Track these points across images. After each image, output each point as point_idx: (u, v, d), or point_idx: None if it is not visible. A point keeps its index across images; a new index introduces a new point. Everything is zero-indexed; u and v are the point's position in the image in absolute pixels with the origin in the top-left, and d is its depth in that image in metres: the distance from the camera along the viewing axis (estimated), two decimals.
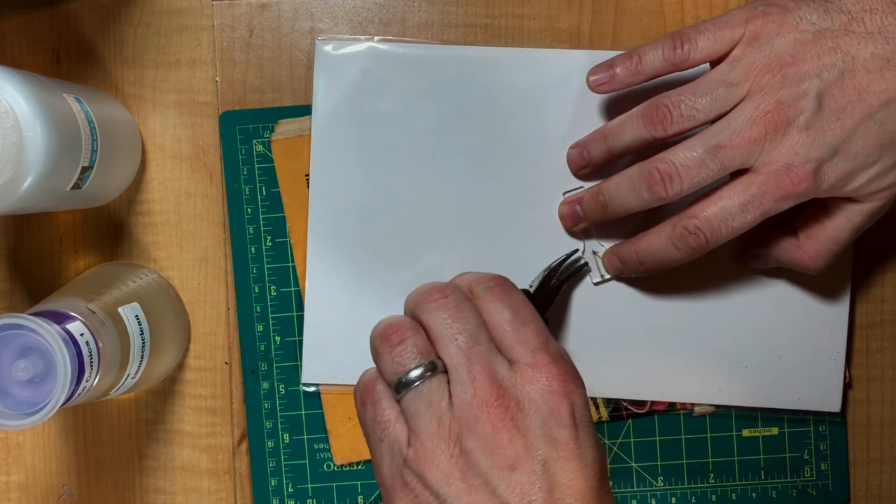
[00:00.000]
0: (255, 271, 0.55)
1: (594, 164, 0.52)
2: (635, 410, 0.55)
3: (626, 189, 0.47)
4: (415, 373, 0.40)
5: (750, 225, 0.45)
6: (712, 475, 0.56)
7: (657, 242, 0.48)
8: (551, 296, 0.50)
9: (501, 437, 0.37)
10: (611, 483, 0.55)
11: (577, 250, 0.53)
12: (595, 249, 0.54)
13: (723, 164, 0.44)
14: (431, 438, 0.38)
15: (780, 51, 0.44)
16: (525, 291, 0.49)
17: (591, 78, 0.49)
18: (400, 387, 0.40)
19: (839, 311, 0.54)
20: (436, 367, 0.40)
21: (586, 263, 0.53)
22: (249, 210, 0.55)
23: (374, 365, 0.42)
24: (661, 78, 0.49)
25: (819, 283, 0.54)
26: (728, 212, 0.45)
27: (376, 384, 0.41)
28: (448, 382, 0.39)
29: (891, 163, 0.44)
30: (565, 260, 0.52)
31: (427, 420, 0.39)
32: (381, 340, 0.41)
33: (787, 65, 0.44)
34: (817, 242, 0.48)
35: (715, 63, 0.46)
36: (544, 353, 0.39)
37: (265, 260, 0.55)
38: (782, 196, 0.44)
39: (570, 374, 0.39)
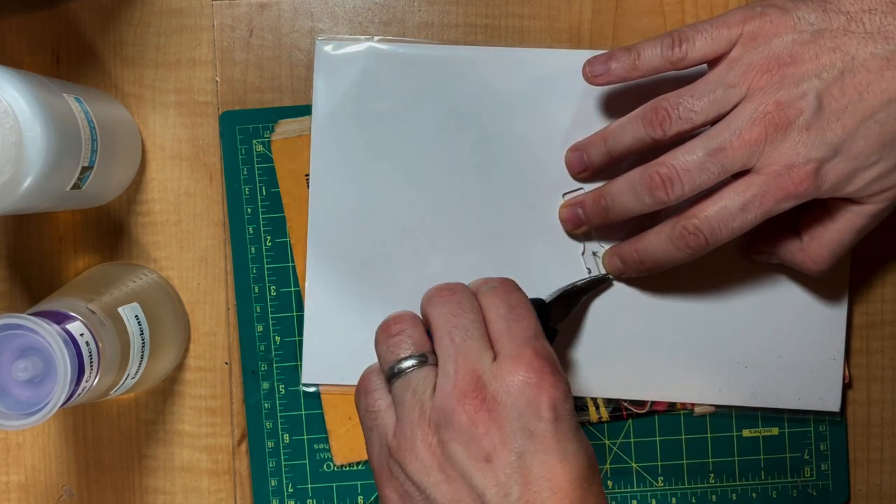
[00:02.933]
0: (255, 271, 0.55)
1: (594, 167, 0.52)
2: (635, 410, 0.55)
3: (628, 193, 0.47)
4: (406, 363, 0.41)
5: (751, 225, 0.45)
6: (712, 475, 0.56)
7: (657, 242, 0.48)
8: (568, 307, 0.51)
9: (478, 428, 0.38)
10: (610, 483, 0.55)
11: (607, 277, 0.53)
12: (595, 250, 0.54)
13: (724, 166, 0.45)
14: (412, 427, 0.39)
15: (779, 51, 0.44)
16: (539, 300, 0.49)
17: (588, 69, 0.49)
18: (391, 375, 0.41)
19: (838, 311, 0.54)
20: (426, 358, 0.41)
21: (612, 282, 0.53)
22: (249, 210, 0.55)
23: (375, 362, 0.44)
24: (664, 79, 0.49)
25: (818, 283, 0.54)
26: (728, 212, 0.45)
27: (372, 376, 0.43)
28: (436, 375, 0.40)
29: (892, 163, 0.44)
30: (591, 280, 0.53)
31: (410, 408, 0.39)
32: (381, 330, 0.43)
33: (786, 65, 0.44)
34: (820, 245, 0.48)
35: (713, 64, 0.46)
36: (528, 347, 0.40)
37: (265, 260, 0.55)
38: (783, 196, 0.44)
39: (550, 368, 0.39)
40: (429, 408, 0.39)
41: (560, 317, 0.51)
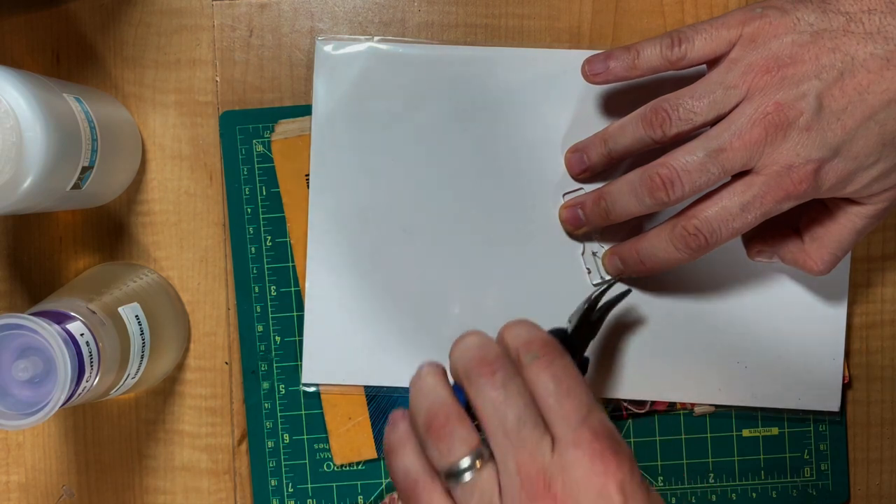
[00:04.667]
0: (255, 271, 0.55)
1: (594, 168, 0.52)
2: (635, 410, 0.55)
3: (628, 194, 0.47)
4: (464, 463, 0.38)
5: (751, 226, 0.45)
6: (712, 475, 0.56)
7: (658, 243, 0.48)
8: (594, 328, 0.49)
9: None
10: None
11: (628, 290, 0.51)
12: (595, 251, 0.54)
13: (724, 167, 0.44)
14: None
15: (778, 52, 0.44)
16: (562, 331, 0.47)
17: (587, 67, 0.49)
18: (449, 476, 0.38)
19: (838, 311, 0.54)
20: (483, 455, 0.38)
21: (629, 290, 0.52)
22: (249, 210, 0.55)
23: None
24: (664, 81, 0.49)
25: (818, 283, 0.54)
26: (728, 213, 0.45)
27: (419, 489, 0.39)
28: (497, 472, 0.38)
29: (892, 164, 0.44)
30: (606, 289, 0.50)
31: None
32: (427, 431, 0.39)
33: (786, 66, 0.44)
34: (821, 247, 0.48)
35: (712, 64, 0.46)
36: (585, 428, 0.37)
37: (265, 260, 0.55)
38: (783, 197, 0.44)
39: (613, 447, 0.37)
40: None
41: (586, 341, 0.48)
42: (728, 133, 0.44)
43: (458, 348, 0.40)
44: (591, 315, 0.49)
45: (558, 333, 0.46)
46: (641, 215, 0.49)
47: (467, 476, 0.38)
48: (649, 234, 0.49)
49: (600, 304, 0.50)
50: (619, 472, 0.37)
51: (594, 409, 0.38)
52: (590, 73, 0.49)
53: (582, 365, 0.47)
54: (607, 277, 0.53)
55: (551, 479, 0.37)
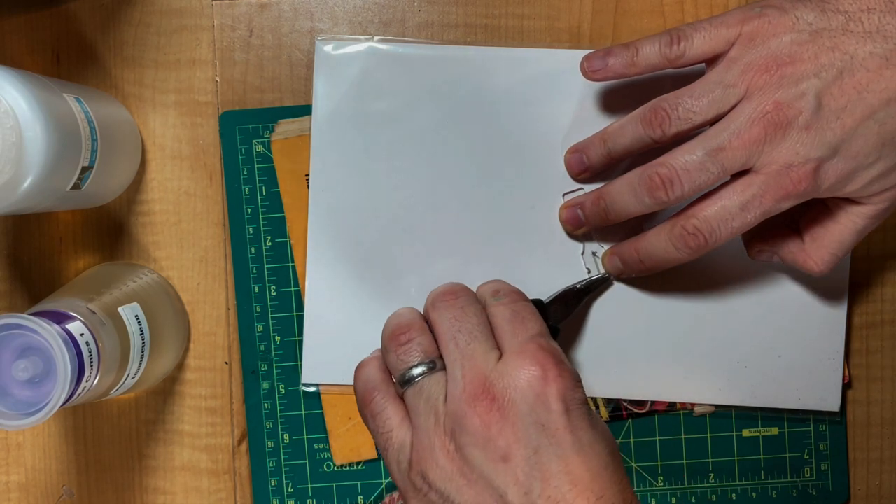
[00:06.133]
0: (255, 271, 0.55)
1: (594, 168, 0.52)
2: (635, 410, 0.55)
3: (628, 194, 0.47)
4: (417, 370, 0.42)
5: (750, 225, 0.45)
6: (712, 475, 0.56)
7: (657, 242, 0.48)
8: (569, 307, 0.52)
9: (490, 429, 0.38)
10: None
11: (607, 277, 0.53)
12: (595, 251, 0.54)
13: (723, 167, 0.44)
14: (429, 435, 0.39)
15: (777, 51, 0.44)
16: (538, 301, 0.50)
17: (586, 64, 0.49)
18: (403, 382, 0.42)
19: (838, 311, 0.54)
20: (436, 365, 0.42)
21: (612, 282, 0.53)
22: (249, 210, 0.55)
23: (366, 360, 0.45)
24: (664, 80, 0.49)
25: (818, 282, 0.54)
26: (728, 212, 0.45)
27: (374, 394, 0.43)
28: (446, 380, 0.41)
29: (892, 163, 0.44)
30: (593, 283, 0.53)
31: (426, 417, 0.40)
32: (390, 339, 0.43)
33: (785, 65, 0.43)
34: (821, 247, 0.48)
35: (711, 63, 0.46)
36: (532, 342, 0.40)
37: (265, 260, 0.55)
38: (782, 196, 0.44)
39: (554, 360, 0.40)
40: (442, 414, 0.40)
41: (561, 316, 0.51)
42: (727, 132, 0.44)
43: (433, 290, 0.45)
44: (569, 296, 0.51)
45: (533, 301, 0.47)
46: (641, 215, 0.49)
47: (417, 380, 0.41)
48: (649, 233, 0.49)
49: (581, 287, 0.52)
50: (562, 380, 0.39)
51: (545, 335, 0.41)
52: (589, 69, 0.49)
53: (551, 331, 0.48)
54: (607, 277, 0.53)
55: (492, 383, 0.39)
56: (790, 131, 0.43)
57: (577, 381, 0.40)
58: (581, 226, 0.52)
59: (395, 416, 0.42)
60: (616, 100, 0.53)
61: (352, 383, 0.55)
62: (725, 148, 0.44)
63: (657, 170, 0.46)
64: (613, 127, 0.49)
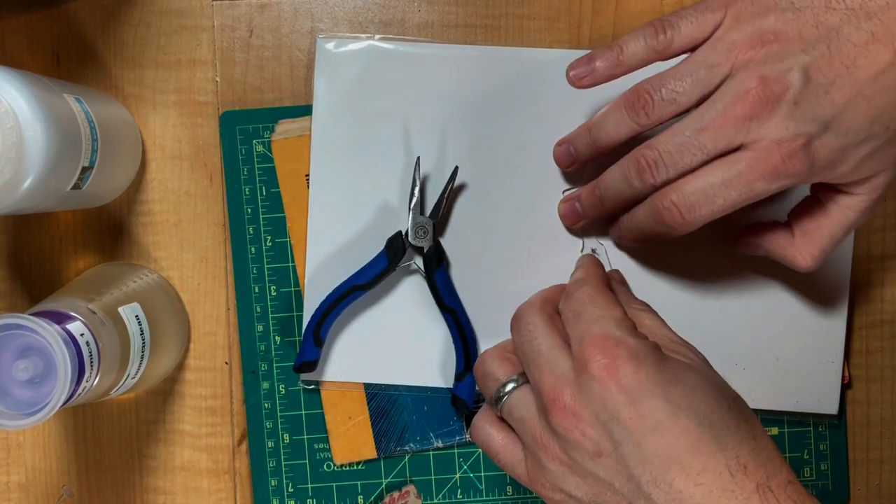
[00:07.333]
0: (255, 271, 0.55)
1: (581, 159, 0.51)
2: None
3: (619, 179, 0.47)
4: (506, 388, 0.44)
5: (735, 205, 0.44)
6: None
7: (640, 215, 0.48)
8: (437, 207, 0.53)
9: (574, 434, 0.40)
10: None
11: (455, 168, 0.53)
12: (593, 247, 0.54)
13: (709, 146, 0.43)
14: (534, 449, 0.42)
15: (762, 29, 0.43)
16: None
17: (571, 73, 0.48)
18: (496, 400, 0.44)
19: (838, 314, 0.54)
20: (518, 380, 0.44)
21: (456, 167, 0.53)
22: (249, 210, 0.55)
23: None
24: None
25: (818, 285, 0.54)
26: (711, 187, 0.44)
27: (482, 426, 0.46)
28: (531, 393, 0.43)
29: (881, 142, 0.43)
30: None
31: (526, 432, 0.43)
32: (476, 374, 0.47)
33: (770, 42, 0.43)
34: (811, 241, 0.48)
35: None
36: (584, 342, 0.41)
37: (265, 260, 0.55)
38: (771, 174, 0.43)
39: (605, 351, 0.40)
40: (538, 428, 0.42)
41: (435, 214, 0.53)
42: (712, 111, 0.43)
43: (517, 311, 0.47)
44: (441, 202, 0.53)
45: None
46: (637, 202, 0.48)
47: (507, 397, 0.44)
48: (638, 207, 0.48)
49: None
50: (614, 370, 0.40)
51: (597, 322, 0.42)
52: (574, 77, 0.47)
53: (438, 251, 0.52)
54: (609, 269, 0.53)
55: (561, 390, 0.41)
56: (778, 107, 0.42)
57: (635, 358, 0.40)
58: (579, 219, 0.52)
59: (495, 439, 0.45)
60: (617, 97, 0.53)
61: (352, 381, 0.55)
62: (709, 127, 0.43)
63: (644, 152, 0.45)
64: (598, 115, 0.48)
